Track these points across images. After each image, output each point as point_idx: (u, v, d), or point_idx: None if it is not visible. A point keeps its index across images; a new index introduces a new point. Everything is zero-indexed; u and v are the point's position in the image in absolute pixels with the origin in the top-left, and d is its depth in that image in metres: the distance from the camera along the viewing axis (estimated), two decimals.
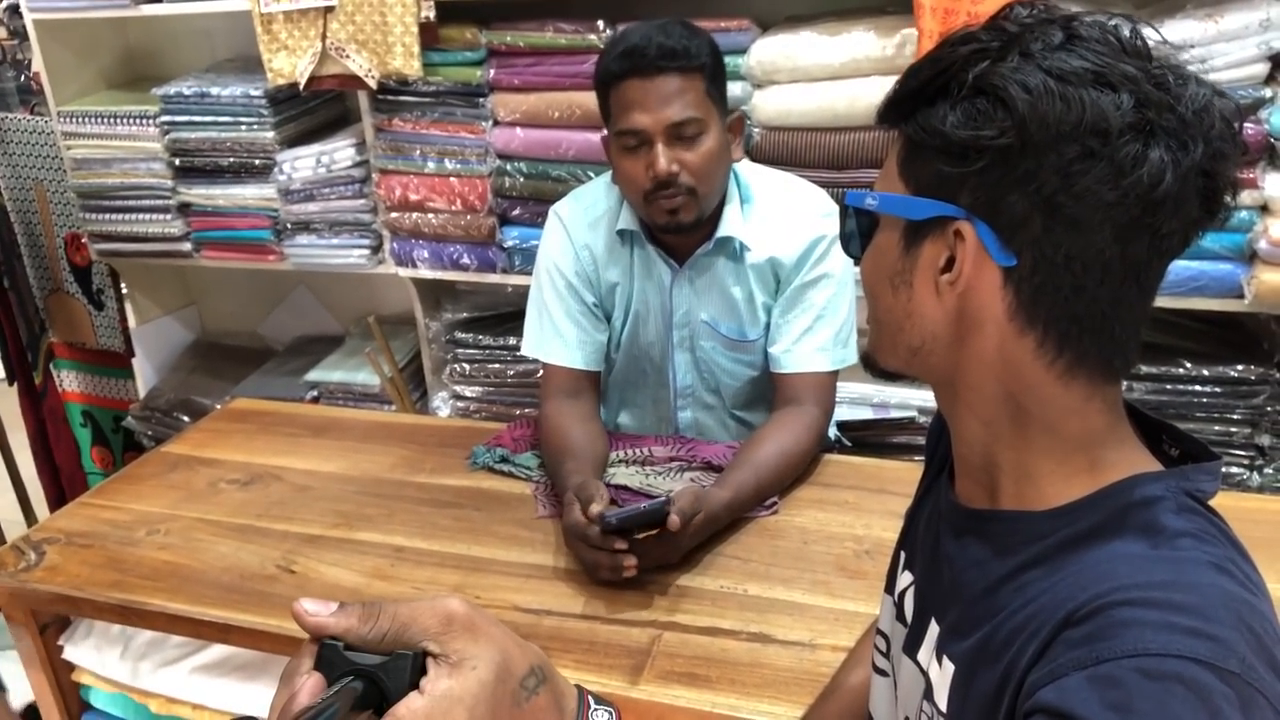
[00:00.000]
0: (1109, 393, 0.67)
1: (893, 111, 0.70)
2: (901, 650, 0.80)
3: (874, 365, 0.77)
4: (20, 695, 1.90)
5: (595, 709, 0.57)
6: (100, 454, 2.83)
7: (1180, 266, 1.80)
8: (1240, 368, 1.88)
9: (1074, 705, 0.55)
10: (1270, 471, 1.91)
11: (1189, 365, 1.91)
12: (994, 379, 0.67)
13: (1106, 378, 0.66)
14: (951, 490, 0.77)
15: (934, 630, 0.75)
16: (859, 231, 0.75)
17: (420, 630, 0.51)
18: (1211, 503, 0.66)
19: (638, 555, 1.25)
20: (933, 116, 0.65)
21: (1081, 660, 0.56)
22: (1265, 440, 1.91)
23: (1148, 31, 0.64)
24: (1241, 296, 1.79)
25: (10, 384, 2.71)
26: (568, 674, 0.58)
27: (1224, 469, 1.85)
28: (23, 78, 2.78)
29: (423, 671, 0.50)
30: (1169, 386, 1.91)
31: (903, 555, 0.87)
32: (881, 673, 0.87)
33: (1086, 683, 0.55)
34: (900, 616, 0.83)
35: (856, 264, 0.77)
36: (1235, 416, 1.91)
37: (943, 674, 0.70)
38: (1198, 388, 1.90)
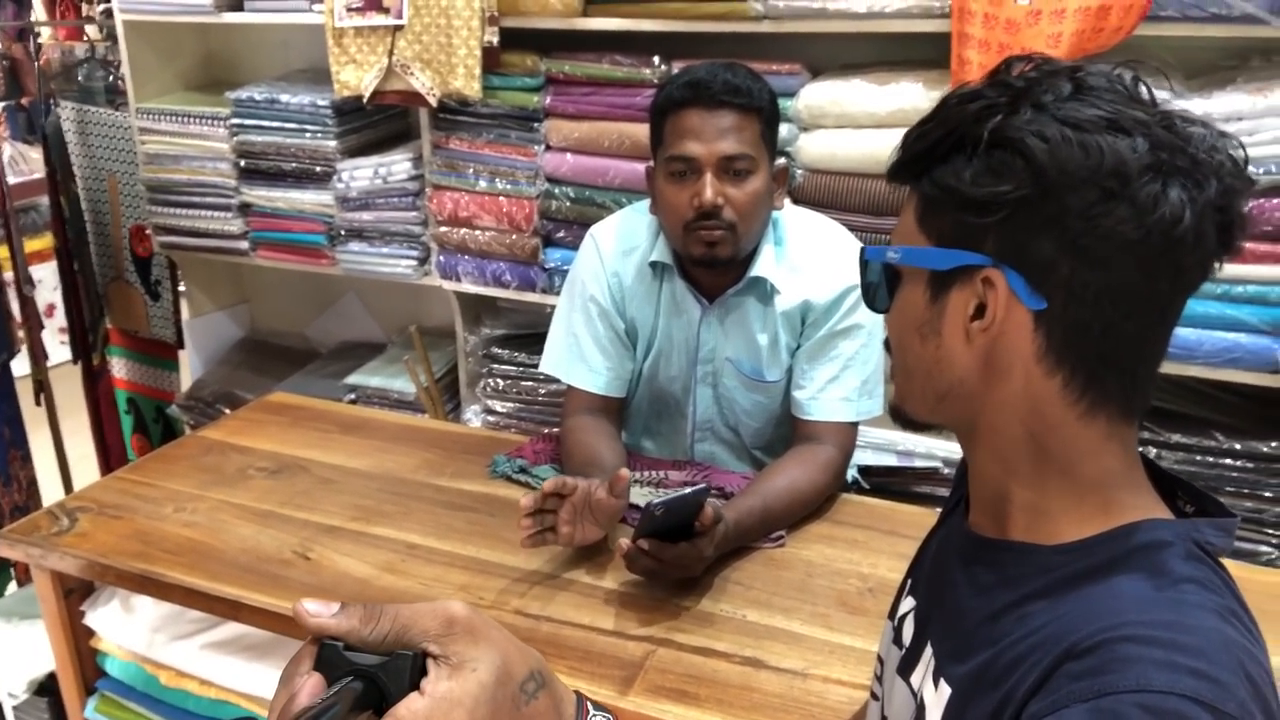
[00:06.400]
0: (1126, 434, 0.69)
1: (904, 171, 0.72)
2: (895, 672, 0.81)
3: (902, 415, 0.79)
4: (38, 667, 1.96)
5: (594, 715, 0.58)
6: (139, 442, 2.92)
7: (1215, 337, 1.79)
8: (1274, 444, 1.85)
9: None
10: None
11: (1220, 438, 1.88)
12: (1017, 420, 0.69)
13: (1125, 417, 0.68)
14: (966, 521, 0.79)
15: (929, 653, 0.76)
16: (881, 284, 0.77)
17: (421, 632, 0.51)
18: (1242, 579, 0.67)
19: (663, 561, 1.26)
20: (948, 173, 0.67)
21: (1083, 693, 0.57)
22: None
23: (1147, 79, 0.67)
24: (1277, 371, 1.77)
25: (75, 363, 2.81)
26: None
27: (1255, 548, 1.83)
28: (111, 78, 2.92)
29: (423, 673, 0.51)
30: (1198, 458, 1.89)
31: (908, 582, 0.88)
32: (874, 696, 0.88)
33: (1087, 715, 0.56)
34: (897, 640, 0.84)
35: (879, 312, 0.79)
36: (1267, 494, 1.87)
37: (938, 697, 0.71)
38: (1228, 461, 1.88)
